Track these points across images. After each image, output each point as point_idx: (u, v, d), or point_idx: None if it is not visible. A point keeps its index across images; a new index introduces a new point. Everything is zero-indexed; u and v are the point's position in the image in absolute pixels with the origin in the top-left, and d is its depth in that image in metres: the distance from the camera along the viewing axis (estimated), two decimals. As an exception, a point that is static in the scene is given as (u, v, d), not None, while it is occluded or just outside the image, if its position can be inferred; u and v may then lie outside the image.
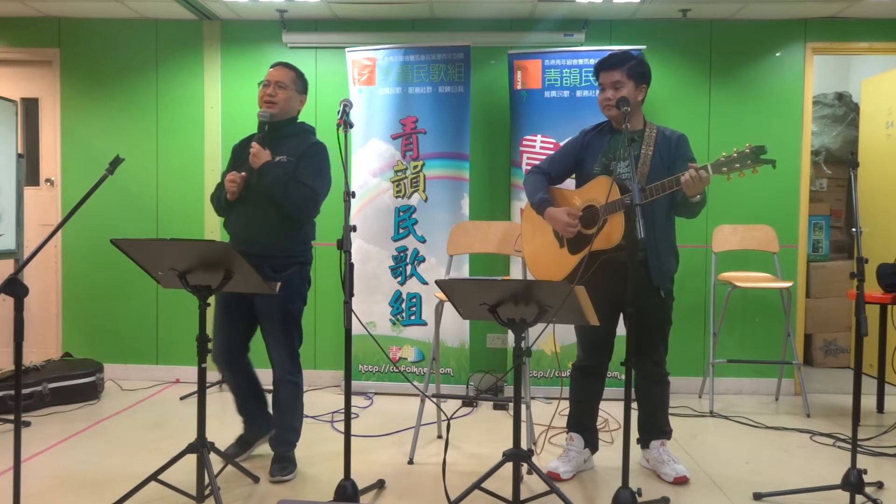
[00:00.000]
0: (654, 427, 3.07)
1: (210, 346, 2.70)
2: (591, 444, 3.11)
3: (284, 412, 3.03)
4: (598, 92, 2.98)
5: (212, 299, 2.72)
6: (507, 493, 2.56)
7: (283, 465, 3.00)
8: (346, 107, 2.88)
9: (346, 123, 2.81)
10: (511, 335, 3.06)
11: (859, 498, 2.59)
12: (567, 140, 3.17)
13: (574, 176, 3.10)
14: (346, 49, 4.49)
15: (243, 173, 2.95)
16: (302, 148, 3.00)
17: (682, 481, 2.94)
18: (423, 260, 4.38)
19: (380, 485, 2.88)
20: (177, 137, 4.74)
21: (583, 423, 3.11)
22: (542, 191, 3.00)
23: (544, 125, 4.33)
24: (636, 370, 3.02)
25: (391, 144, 4.40)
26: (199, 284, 2.60)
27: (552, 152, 3.41)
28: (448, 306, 3.01)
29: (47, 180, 4.82)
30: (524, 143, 4.36)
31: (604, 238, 2.76)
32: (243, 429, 3.22)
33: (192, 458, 2.63)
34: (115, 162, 2.61)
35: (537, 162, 4.22)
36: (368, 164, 4.43)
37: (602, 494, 2.85)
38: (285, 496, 2.77)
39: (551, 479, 2.88)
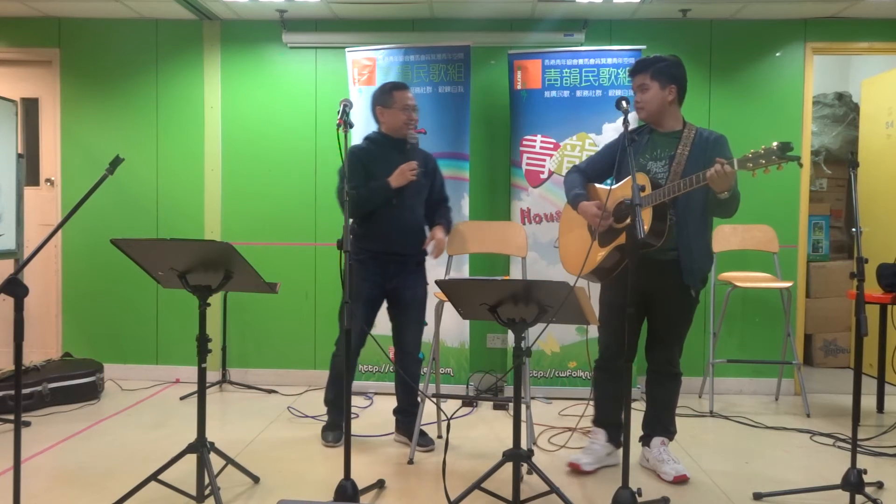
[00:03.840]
0: (659, 425, 3.08)
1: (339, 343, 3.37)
2: (615, 439, 3.13)
3: (415, 390, 3.42)
4: None
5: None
6: (507, 493, 2.56)
7: (425, 436, 3.40)
8: (346, 107, 2.89)
9: (346, 123, 2.82)
10: (511, 335, 3.06)
11: (859, 498, 2.58)
12: (609, 141, 3.27)
13: (614, 176, 3.11)
14: (346, 49, 4.49)
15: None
16: (430, 163, 3.49)
17: (681, 480, 2.93)
18: (423, 260, 4.38)
19: (380, 485, 2.88)
20: (177, 137, 4.74)
21: (606, 420, 3.15)
22: (579, 187, 3.08)
23: (544, 125, 4.33)
24: (649, 365, 3.09)
25: (391, 144, 4.39)
26: (199, 284, 2.60)
27: (593, 153, 3.46)
28: (448, 306, 3.01)
29: (47, 180, 4.82)
30: (524, 143, 4.36)
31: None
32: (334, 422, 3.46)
33: (192, 458, 2.64)
34: (115, 162, 2.61)
35: (538, 162, 4.26)
36: (368, 164, 4.43)
37: (602, 494, 2.84)
38: (285, 496, 2.77)
39: (572, 469, 3.01)
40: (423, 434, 3.37)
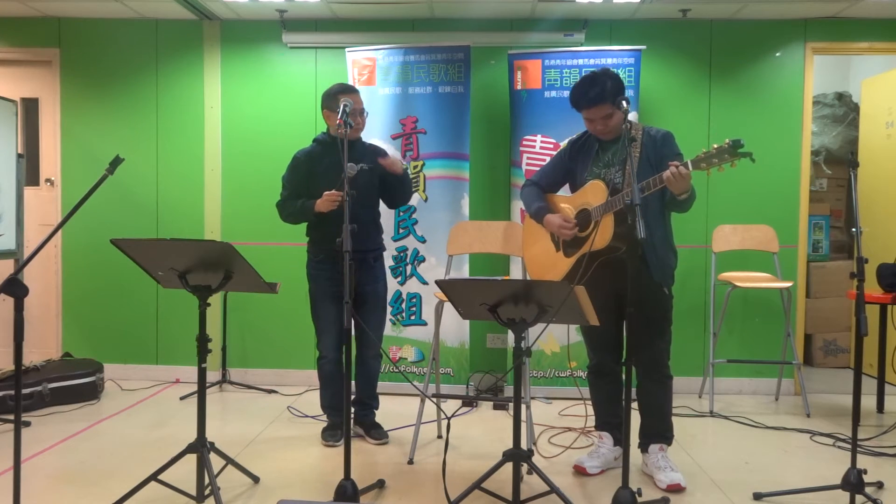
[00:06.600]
0: (654, 431, 3.04)
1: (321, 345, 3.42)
2: (621, 441, 3.10)
3: (375, 384, 3.58)
4: (585, 122, 2.97)
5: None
6: (507, 493, 2.56)
7: (379, 429, 3.52)
8: (346, 107, 2.89)
9: (345, 123, 2.82)
10: (511, 335, 3.06)
11: (859, 498, 2.58)
12: (556, 152, 3.29)
13: (568, 186, 3.14)
14: (346, 49, 4.49)
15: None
16: (377, 155, 3.48)
17: (674, 489, 2.86)
18: (423, 260, 4.38)
19: (380, 485, 2.88)
20: (177, 137, 4.74)
21: (609, 423, 3.15)
22: (539, 200, 3.09)
23: (544, 125, 4.33)
24: (637, 370, 3.03)
25: (391, 144, 4.39)
26: (199, 284, 2.60)
27: (544, 164, 3.46)
28: (448, 306, 3.00)
29: (47, 180, 4.82)
30: (524, 143, 4.36)
31: (595, 239, 2.78)
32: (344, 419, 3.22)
33: (192, 458, 2.64)
34: (115, 162, 2.61)
35: (538, 162, 4.25)
36: (368, 164, 4.43)
37: (602, 494, 2.85)
38: (285, 496, 2.77)
39: (577, 472, 3.02)
40: (377, 426, 3.53)
